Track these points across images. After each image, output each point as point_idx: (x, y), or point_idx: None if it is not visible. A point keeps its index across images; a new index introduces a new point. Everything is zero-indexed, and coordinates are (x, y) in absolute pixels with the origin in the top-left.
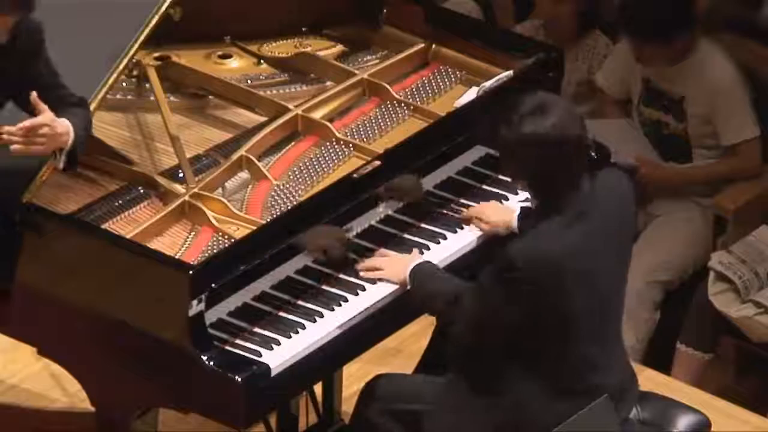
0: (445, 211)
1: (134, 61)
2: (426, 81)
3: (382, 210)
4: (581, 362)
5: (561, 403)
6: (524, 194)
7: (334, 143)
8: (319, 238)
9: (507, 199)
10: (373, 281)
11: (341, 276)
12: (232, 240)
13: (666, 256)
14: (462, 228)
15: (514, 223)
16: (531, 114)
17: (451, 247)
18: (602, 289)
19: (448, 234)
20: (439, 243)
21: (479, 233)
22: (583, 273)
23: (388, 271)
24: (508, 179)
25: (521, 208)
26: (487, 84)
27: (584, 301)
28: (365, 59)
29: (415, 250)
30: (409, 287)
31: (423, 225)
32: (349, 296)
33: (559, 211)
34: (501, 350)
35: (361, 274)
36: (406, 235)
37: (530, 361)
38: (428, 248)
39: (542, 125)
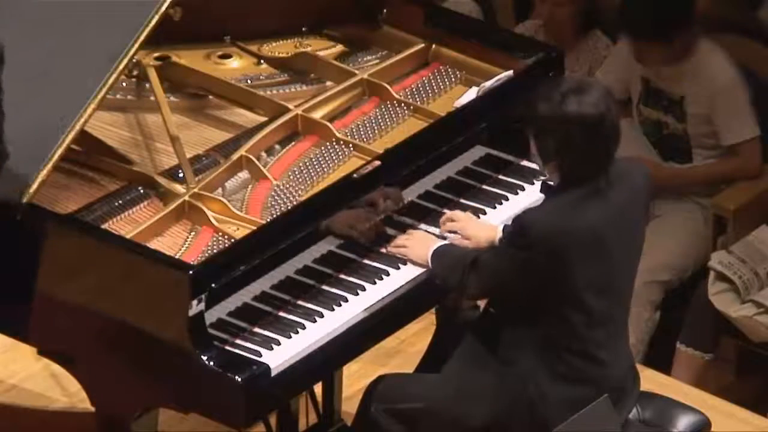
0: (445, 211)
1: (134, 61)
2: (426, 81)
3: (381, 210)
4: (587, 344)
5: (565, 386)
6: (531, 189)
7: (334, 143)
8: (349, 220)
9: (507, 199)
10: (373, 281)
11: (341, 276)
12: (232, 240)
13: (666, 257)
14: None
15: (498, 237)
16: (573, 93)
17: None
18: (612, 274)
19: (448, 234)
20: None
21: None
22: (594, 251)
23: (411, 251)
24: (536, 157)
25: (542, 183)
26: (487, 84)
27: (593, 282)
28: (365, 59)
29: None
30: (430, 267)
31: (423, 225)
32: (349, 296)
33: (580, 186)
34: (514, 320)
35: (389, 250)
36: None
37: (539, 336)
38: None
39: (584, 104)
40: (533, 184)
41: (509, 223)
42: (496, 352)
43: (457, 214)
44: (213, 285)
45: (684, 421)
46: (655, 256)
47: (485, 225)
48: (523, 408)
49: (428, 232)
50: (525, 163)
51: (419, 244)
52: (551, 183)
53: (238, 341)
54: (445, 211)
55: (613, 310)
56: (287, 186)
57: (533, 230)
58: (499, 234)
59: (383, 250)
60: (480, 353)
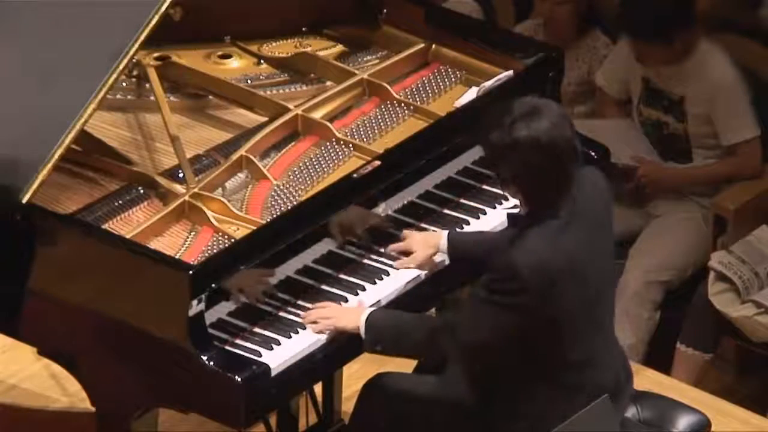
0: (445, 211)
1: (134, 61)
2: (426, 81)
3: (382, 210)
4: (578, 359)
5: (559, 403)
6: (511, 201)
7: (334, 143)
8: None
9: (507, 199)
10: (373, 281)
11: (341, 276)
12: (232, 240)
13: (666, 257)
14: (462, 228)
15: (443, 243)
16: (523, 117)
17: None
18: (594, 285)
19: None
20: None
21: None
22: (577, 275)
23: (336, 320)
24: (499, 185)
25: (508, 214)
26: (487, 84)
27: (579, 301)
28: (365, 59)
29: (357, 300)
30: (365, 332)
31: (423, 225)
32: (349, 296)
33: (553, 216)
34: (498, 352)
35: (308, 327)
36: None
37: (527, 362)
38: None
39: (536, 128)
40: None
41: (513, 212)
42: (486, 369)
43: (315, 311)
44: (213, 285)
45: (684, 421)
46: (655, 256)
47: (423, 238)
48: (521, 421)
49: (432, 229)
50: None
51: (343, 313)
52: (516, 214)
53: (238, 341)
54: (446, 211)
55: (600, 316)
56: (287, 186)
57: (524, 271)
58: (444, 239)
59: (383, 250)
60: (469, 371)
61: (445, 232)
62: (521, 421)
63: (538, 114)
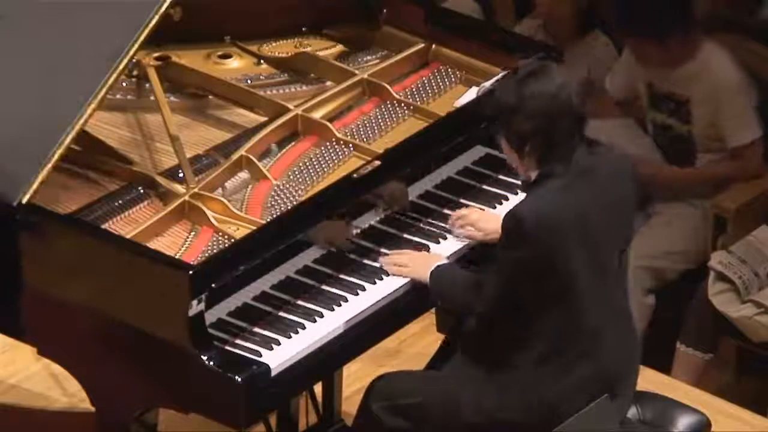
0: (445, 211)
1: (134, 61)
2: (426, 81)
3: (382, 210)
4: (582, 332)
5: (561, 378)
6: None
7: (334, 143)
8: (326, 233)
9: (507, 199)
10: (373, 281)
11: (341, 276)
12: (232, 240)
13: (657, 244)
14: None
15: None
16: (528, 75)
17: (451, 246)
18: (601, 257)
19: (448, 234)
20: (439, 243)
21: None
22: (581, 234)
23: (412, 269)
24: (510, 152)
25: (522, 182)
26: (487, 84)
27: (583, 266)
28: (365, 59)
29: (439, 254)
30: (429, 285)
31: (423, 225)
32: (348, 296)
33: (560, 174)
34: (510, 326)
35: (386, 268)
36: (406, 235)
37: (534, 334)
38: (428, 248)
39: (542, 82)
40: None
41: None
42: (495, 348)
43: (463, 212)
44: (213, 285)
45: (684, 421)
46: (653, 244)
47: (492, 217)
48: (523, 393)
49: (433, 229)
50: None
51: (419, 263)
52: (530, 180)
53: (238, 341)
54: (446, 211)
55: (607, 293)
56: (287, 186)
57: (523, 222)
58: None
59: (383, 250)
60: (480, 350)
61: None
62: (520, 391)
63: (543, 71)
